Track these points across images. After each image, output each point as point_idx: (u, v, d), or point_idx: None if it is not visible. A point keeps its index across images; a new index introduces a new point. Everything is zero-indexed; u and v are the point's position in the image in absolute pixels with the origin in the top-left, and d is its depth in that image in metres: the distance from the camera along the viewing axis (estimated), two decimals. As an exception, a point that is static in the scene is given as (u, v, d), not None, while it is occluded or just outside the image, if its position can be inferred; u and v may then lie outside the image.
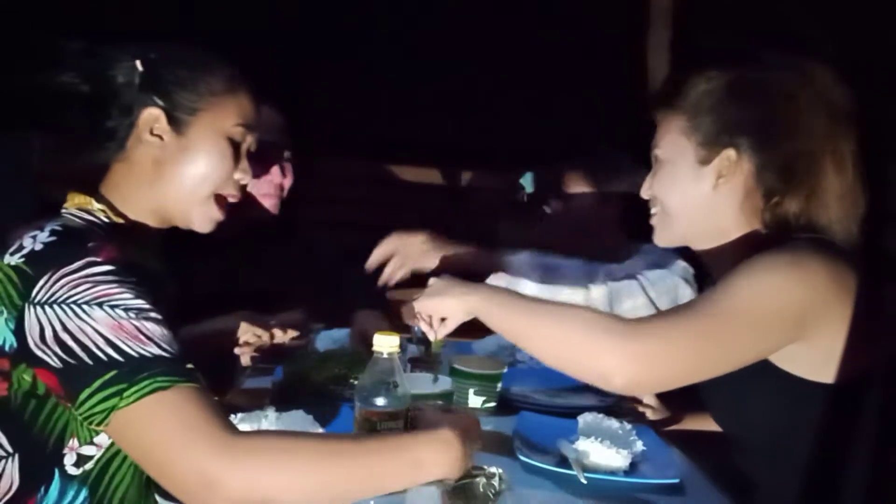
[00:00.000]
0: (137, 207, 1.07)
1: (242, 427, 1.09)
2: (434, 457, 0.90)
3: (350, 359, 1.47)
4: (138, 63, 1.06)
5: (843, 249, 1.09)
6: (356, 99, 3.18)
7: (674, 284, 1.59)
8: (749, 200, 1.15)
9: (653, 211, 1.24)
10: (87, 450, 0.95)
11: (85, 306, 0.87)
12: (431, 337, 1.22)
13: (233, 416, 1.14)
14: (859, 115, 1.14)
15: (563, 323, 1.06)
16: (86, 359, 0.85)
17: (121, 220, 1.06)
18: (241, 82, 1.12)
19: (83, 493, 0.95)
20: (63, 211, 1.04)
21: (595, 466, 1.14)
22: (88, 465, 0.95)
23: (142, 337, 0.87)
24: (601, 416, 1.28)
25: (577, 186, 1.94)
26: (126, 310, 0.88)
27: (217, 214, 1.11)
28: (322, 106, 2.91)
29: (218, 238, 1.61)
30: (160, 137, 1.05)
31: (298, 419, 1.11)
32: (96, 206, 1.05)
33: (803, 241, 1.08)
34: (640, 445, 1.20)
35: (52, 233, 0.93)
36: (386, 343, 1.04)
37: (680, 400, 1.47)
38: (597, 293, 1.57)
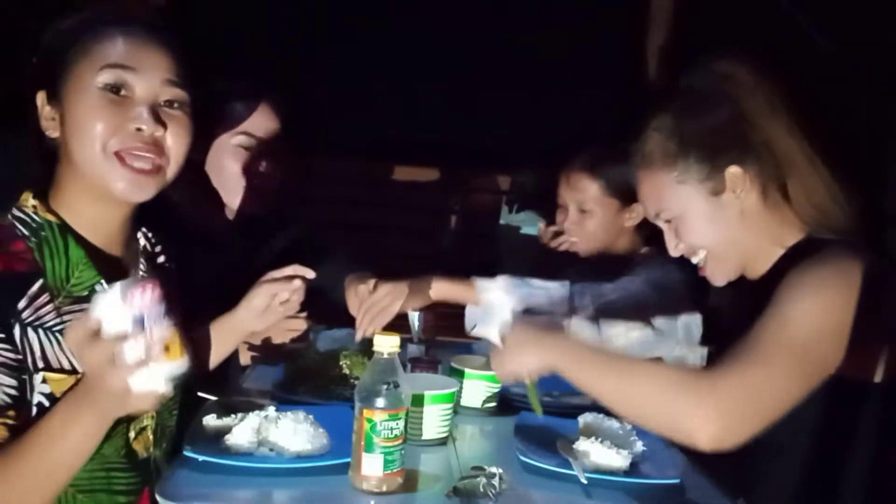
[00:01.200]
0: (73, 194, 1.04)
1: (243, 425, 1.09)
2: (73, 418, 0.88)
3: (351, 359, 1.47)
4: (34, 59, 1.05)
5: (871, 249, 1.10)
6: (354, 98, 3.18)
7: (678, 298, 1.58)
8: (769, 198, 1.16)
9: (696, 261, 1.24)
10: None
11: None
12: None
13: (233, 415, 1.14)
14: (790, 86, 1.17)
15: (642, 383, 1.04)
16: None
17: (50, 216, 1.02)
18: (101, 27, 1.02)
19: None
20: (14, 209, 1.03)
21: (595, 466, 1.14)
22: None
23: None
24: (601, 416, 1.28)
25: (585, 186, 1.81)
26: None
27: (127, 174, 1.01)
28: (320, 105, 2.90)
29: (213, 230, 1.62)
30: (52, 119, 1.03)
31: (299, 419, 1.11)
32: (30, 202, 1.03)
33: (838, 246, 1.10)
34: (640, 445, 1.20)
35: None
36: (386, 343, 1.04)
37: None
38: (584, 328, 1.52)
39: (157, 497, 0.96)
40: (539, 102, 3.17)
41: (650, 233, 1.84)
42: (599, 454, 1.15)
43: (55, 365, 0.96)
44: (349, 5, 3.08)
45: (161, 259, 1.22)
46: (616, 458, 1.14)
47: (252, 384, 1.45)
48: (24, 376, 0.94)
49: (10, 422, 0.92)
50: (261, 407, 1.17)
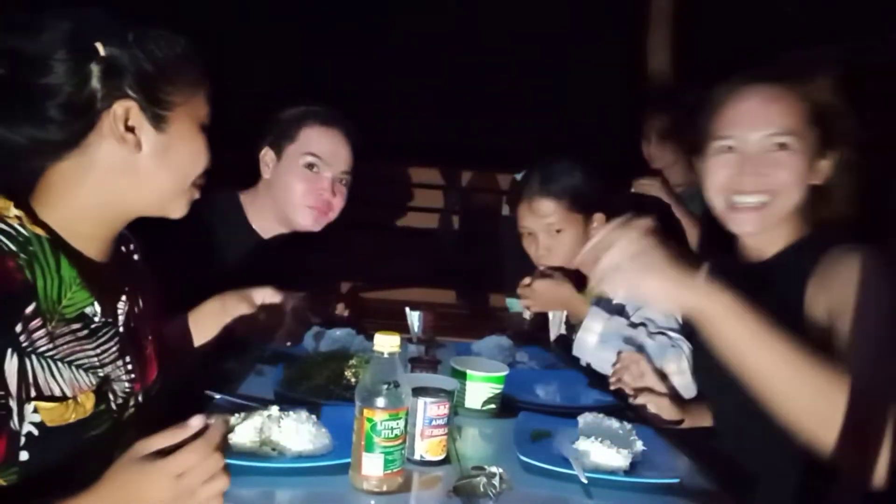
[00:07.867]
0: (79, 207, 0.97)
1: (245, 425, 1.10)
2: None
3: (350, 359, 1.47)
4: (99, 47, 0.93)
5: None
6: (359, 101, 3.19)
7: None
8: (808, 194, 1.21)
9: (753, 201, 1.20)
10: None
11: None
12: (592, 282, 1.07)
13: (237, 414, 1.14)
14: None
15: (808, 391, 0.96)
16: None
17: (38, 229, 0.94)
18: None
19: None
20: None
21: (595, 466, 1.14)
22: None
23: None
24: (601, 416, 1.28)
25: (551, 209, 1.82)
26: None
27: (195, 195, 1.08)
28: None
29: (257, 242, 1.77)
30: (132, 132, 0.97)
31: (301, 419, 1.12)
32: (13, 212, 0.93)
33: (860, 253, 1.11)
34: (640, 445, 1.21)
35: None
36: (386, 343, 1.04)
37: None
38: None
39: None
40: (539, 102, 3.18)
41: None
42: (599, 454, 1.15)
43: (46, 392, 0.90)
44: (355, 10, 3.09)
45: (136, 258, 1.20)
46: (616, 458, 1.14)
47: (254, 382, 1.46)
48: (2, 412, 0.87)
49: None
50: (264, 406, 1.17)
